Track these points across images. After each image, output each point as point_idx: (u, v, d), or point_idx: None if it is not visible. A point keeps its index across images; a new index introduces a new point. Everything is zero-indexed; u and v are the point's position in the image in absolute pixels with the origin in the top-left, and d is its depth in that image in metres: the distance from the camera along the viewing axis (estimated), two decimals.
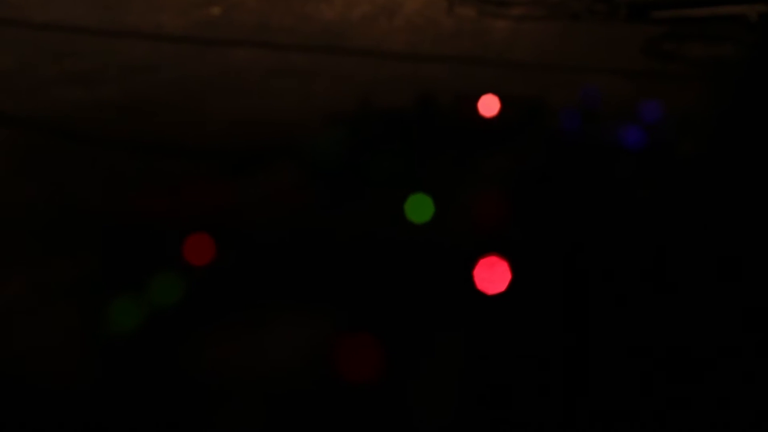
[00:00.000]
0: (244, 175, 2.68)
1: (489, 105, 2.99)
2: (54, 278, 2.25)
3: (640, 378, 1.92)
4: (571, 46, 3.65)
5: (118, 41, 3.72)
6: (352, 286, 2.20)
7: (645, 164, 2.71)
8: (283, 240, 2.37)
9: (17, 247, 2.39)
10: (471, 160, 2.72)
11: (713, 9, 3.80)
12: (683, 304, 2.10)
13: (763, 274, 2.21)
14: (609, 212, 2.46)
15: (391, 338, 2.01)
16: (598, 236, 2.33)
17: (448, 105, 3.01)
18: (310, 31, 3.82)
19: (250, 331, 2.07)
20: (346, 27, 3.86)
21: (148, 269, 2.21)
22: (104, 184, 2.67)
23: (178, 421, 1.84)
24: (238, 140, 2.91)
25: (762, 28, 3.71)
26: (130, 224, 2.45)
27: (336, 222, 2.45)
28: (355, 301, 2.15)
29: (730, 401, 1.86)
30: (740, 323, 2.06)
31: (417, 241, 2.36)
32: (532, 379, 1.92)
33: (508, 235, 2.36)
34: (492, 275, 2.16)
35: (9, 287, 2.22)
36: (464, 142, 2.82)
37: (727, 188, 2.56)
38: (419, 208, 2.46)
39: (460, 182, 2.63)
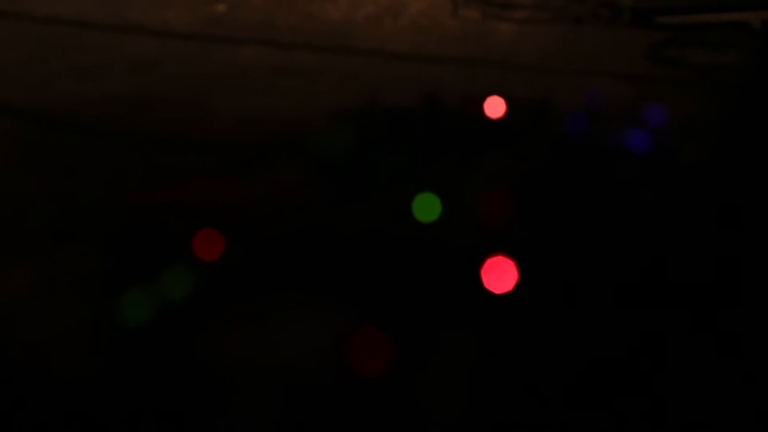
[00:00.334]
0: (250, 171, 2.69)
1: (494, 106, 3.00)
2: (62, 270, 2.26)
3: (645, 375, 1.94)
4: (574, 50, 3.67)
5: (124, 37, 3.73)
6: (361, 282, 2.21)
7: (648, 167, 2.73)
8: (290, 236, 2.39)
9: (23, 239, 2.41)
10: (477, 161, 2.74)
11: (716, 15, 3.82)
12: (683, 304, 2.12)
13: (764, 274, 2.23)
14: (612, 213, 2.47)
15: (399, 334, 2.03)
16: (600, 237, 2.35)
17: (453, 106, 3.02)
18: (315, 31, 3.83)
19: (260, 324, 2.08)
20: (350, 27, 3.87)
21: (156, 263, 2.23)
22: (110, 178, 2.68)
23: (189, 412, 1.85)
24: (245, 137, 2.93)
25: (765, 35, 3.73)
26: (135, 218, 2.46)
27: (342, 219, 2.46)
28: (364, 297, 2.16)
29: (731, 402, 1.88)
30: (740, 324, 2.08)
31: (424, 239, 2.38)
32: (537, 378, 1.93)
33: (515, 234, 2.37)
34: (499, 274, 2.18)
35: (16, 279, 2.23)
36: (470, 142, 2.84)
37: (730, 193, 2.58)
38: (426, 207, 2.47)
39: (466, 182, 2.64)
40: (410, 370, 1.95)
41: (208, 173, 2.71)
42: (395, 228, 2.43)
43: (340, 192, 2.58)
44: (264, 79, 3.36)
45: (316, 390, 1.90)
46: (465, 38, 3.78)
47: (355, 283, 2.21)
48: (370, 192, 2.58)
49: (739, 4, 3.83)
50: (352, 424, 1.84)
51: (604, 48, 3.68)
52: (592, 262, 2.27)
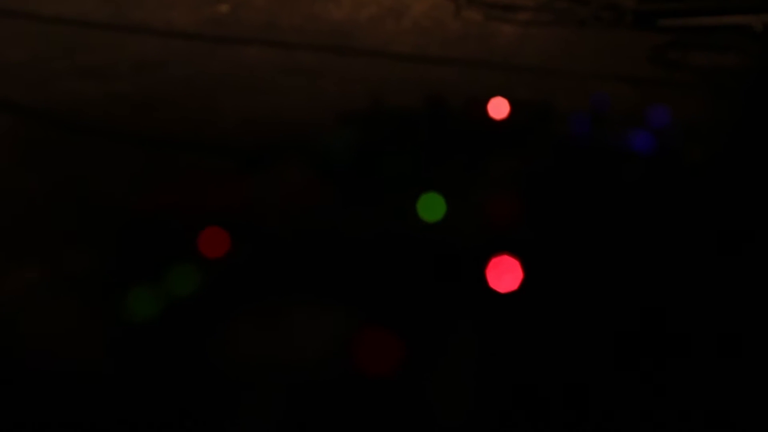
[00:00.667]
0: (255, 171, 2.69)
1: (498, 108, 3.01)
2: (65, 269, 2.26)
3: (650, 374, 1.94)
4: (577, 52, 3.67)
5: (127, 36, 3.73)
6: (367, 281, 2.21)
7: (652, 168, 2.73)
8: (296, 235, 2.39)
9: (26, 238, 2.41)
10: (481, 162, 2.75)
11: (719, 18, 3.83)
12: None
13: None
14: (616, 213, 2.48)
15: (406, 333, 2.03)
16: (603, 236, 2.36)
17: (457, 107, 3.03)
18: (318, 31, 3.83)
19: (267, 324, 2.08)
20: (353, 27, 3.88)
21: (159, 262, 2.23)
22: (114, 178, 2.69)
23: (195, 411, 1.85)
24: (249, 137, 2.93)
25: (767, 38, 3.73)
26: (141, 217, 2.46)
27: (348, 218, 2.47)
28: (370, 297, 2.17)
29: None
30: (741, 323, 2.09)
31: (429, 239, 2.38)
32: (543, 376, 1.94)
33: (520, 235, 2.38)
34: (504, 274, 2.18)
35: (18, 278, 2.23)
36: (474, 143, 2.84)
37: (733, 194, 2.59)
38: (431, 207, 2.48)
39: (471, 183, 2.65)
40: (416, 371, 1.95)
41: (212, 173, 2.71)
42: (400, 227, 2.43)
43: (345, 191, 2.58)
44: (268, 80, 3.36)
45: (322, 390, 1.91)
46: (468, 40, 3.79)
47: (361, 282, 2.21)
48: (375, 191, 2.58)
49: (741, 7, 3.84)
50: (357, 424, 1.85)
51: (607, 50, 3.68)
52: (596, 262, 2.27)
